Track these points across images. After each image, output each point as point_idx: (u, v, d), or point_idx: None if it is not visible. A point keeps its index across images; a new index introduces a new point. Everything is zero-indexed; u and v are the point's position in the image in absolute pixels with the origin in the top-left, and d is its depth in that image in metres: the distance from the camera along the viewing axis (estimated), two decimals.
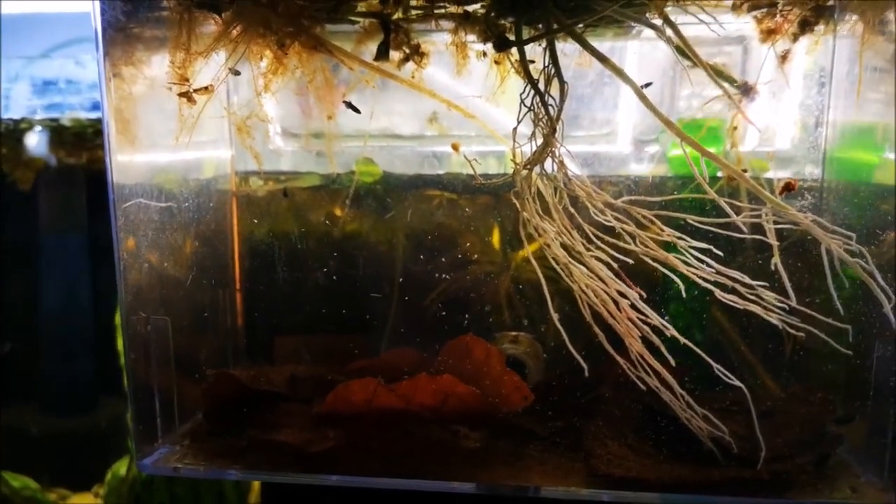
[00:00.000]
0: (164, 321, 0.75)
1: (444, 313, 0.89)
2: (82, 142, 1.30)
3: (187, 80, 0.69)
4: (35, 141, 1.31)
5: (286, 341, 0.91)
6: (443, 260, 0.90)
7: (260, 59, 0.73)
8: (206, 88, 0.70)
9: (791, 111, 0.84)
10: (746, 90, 0.80)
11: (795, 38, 0.75)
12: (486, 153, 0.90)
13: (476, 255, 0.90)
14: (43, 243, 1.42)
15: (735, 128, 0.80)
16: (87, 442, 1.45)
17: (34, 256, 1.44)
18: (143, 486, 1.21)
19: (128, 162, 0.73)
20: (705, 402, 0.68)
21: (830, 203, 0.82)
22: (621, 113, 0.91)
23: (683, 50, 0.70)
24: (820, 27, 0.76)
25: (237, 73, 0.76)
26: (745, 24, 0.77)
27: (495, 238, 0.91)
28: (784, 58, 0.77)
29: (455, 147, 0.88)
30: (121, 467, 1.23)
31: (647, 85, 0.70)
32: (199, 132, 0.78)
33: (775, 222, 0.66)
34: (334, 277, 0.90)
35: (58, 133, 1.28)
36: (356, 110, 0.79)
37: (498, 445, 0.73)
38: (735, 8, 0.69)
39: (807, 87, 0.82)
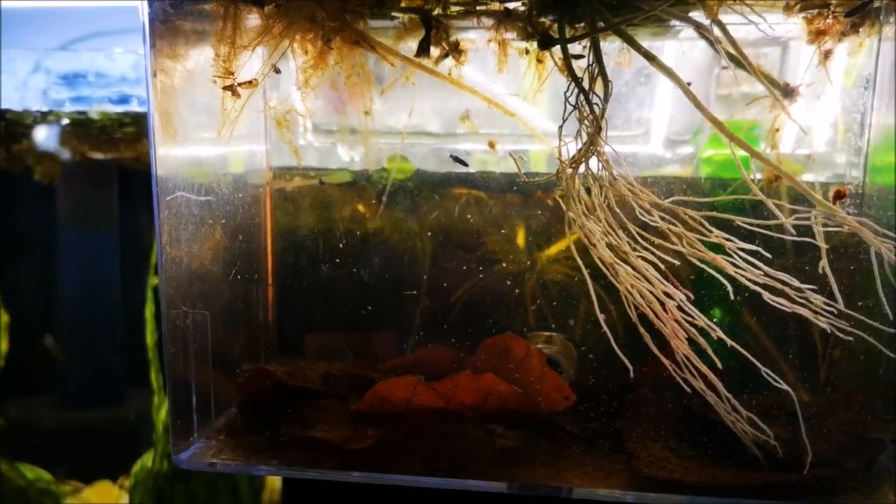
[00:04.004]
0: (203, 315, 0.74)
1: (476, 312, 0.89)
2: (108, 136, 1.30)
3: (232, 73, 0.69)
4: (61, 135, 1.30)
5: (318, 338, 0.90)
6: (475, 258, 0.89)
7: (304, 52, 0.73)
8: (249, 82, 0.70)
9: (832, 114, 0.83)
10: (788, 92, 0.79)
11: (841, 39, 0.75)
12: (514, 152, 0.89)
13: (509, 254, 0.89)
14: (68, 238, 1.42)
15: (777, 129, 0.80)
16: (110, 435, 1.44)
17: (58, 252, 1.44)
18: (166, 481, 1.21)
19: (170, 155, 0.73)
20: (744, 405, 0.68)
21: (872, 207, 0.81)
22: (656, 113, 0.91)
23: (728, 50, 0.70)
24: (864, 29, 0.75)
25: (278, 71, 0.76)
26: (786, 26, 0.76)
27: (527, 238, 0.91)
28: (828, 59, 0.76)
29: (491, 145, 0.87)
30: (148, 459, 1.23)
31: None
32: (236, 127, 0.77)
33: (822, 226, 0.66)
34: (366, 274, 0.90)
35: (84, 126, 1.28)
36: (464, 164, 0.82)
37: (537, 445, 0.73)
38: (788, 8, 0.68)
39: (849, 90, 0.81)
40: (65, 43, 1.32)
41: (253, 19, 0.72)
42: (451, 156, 0.84)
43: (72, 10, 1.38)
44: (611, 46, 0.76)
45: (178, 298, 0.73)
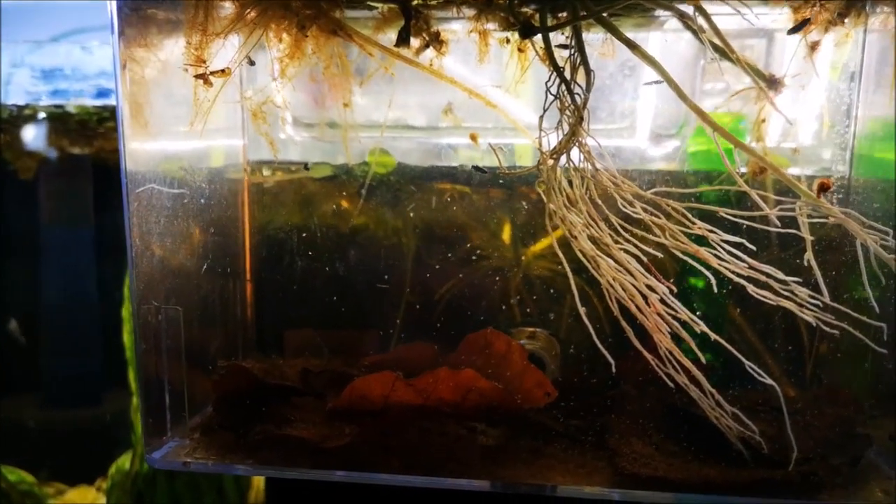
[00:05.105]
0: (176, 311, 0.72)
1: (458, 308, 0.87)
2: (86, 130, 1.27)
3: (204, 61, 0.67)
4: (38, 129, 1.28)
5: (296, 335, 0.88)
6: (457, 254, 0.88)
7: (279, 41, 0.71)
8: (222, 71, 0.68)
9: (817, 106, 0.82)
10: (773, 84, 0.78)
11: (827, 30, 0.74)
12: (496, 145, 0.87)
13: (492, 249, 0.88)
14: (46, 234, 1.40)
15: (763, 121, 0.78)
16: (90, 436, 1.42)
17: (36, 248, 1.41)
18: (146, 482, 1.19)
19: (141, 149, 0.71)
20: (729, 401, 0.67)
21: (857, 200, 0.81)
22: (641, 106, 0.89)
23: (712, 41, 0.68)
24: (850, 20, 0.74)
25: (252, 63, 0.74)
26: (771, 17, 0.75)
27: (511, 232, 0.90)
28: (814, 50, 0.75)
29: (473, 138, 0.86)
30: (125, 461, 1.20)
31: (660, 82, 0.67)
32: (212, 120, 0.76)
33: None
34: (346, 270, 0.88)
35: (62, 121, 1.25)
36: (483, 171, 0.82)
37: (518, 443, 0.71)
38: None
39: (835, 82, 0.80)
40: (55, 37, 1.30)
41: (227, 8, 0.70)
42: (473, 166, 0.85)
43: (61, 5, 1.36)
44: (594, 37, 0.75)
45: (150, 294, 0.72)
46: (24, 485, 1.33)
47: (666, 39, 0.80)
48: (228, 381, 0.74)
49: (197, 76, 0.67)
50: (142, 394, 0.73)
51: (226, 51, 0.71)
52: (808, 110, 0.83)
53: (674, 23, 0.79)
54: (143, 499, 1.19)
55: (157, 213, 0.73)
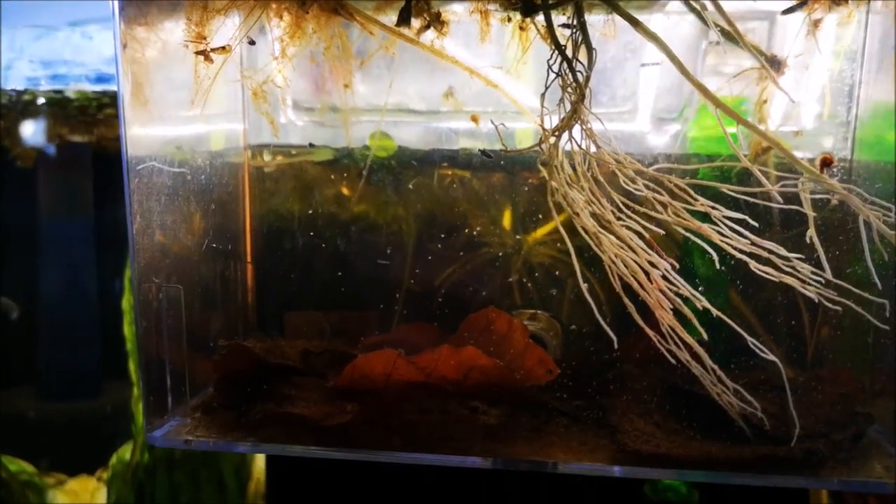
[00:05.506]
0: (177, 289, 0.72)
1: (460, 291, 0.87)
2: (86, 117, 1.27)
3: (204, 38, 0.67)
4: (37, 115, 1.27)
5: (298, 316, 0.88)
6: (460, 237, 0.88)
7: (280, 19, 0.70)
8: (223, 48, 0.68)
9: (819, 87, 0.82)
10: (776, 64, 0.78)
11: (831, 8, 0.74)
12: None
13: (494, 233, 0.88)
14: (45, 226, 1.39)
15: (765, 101, 0.78)
16: (89, 428, 1.42)
17: (35, 239, 1.41)
18: (146, 473, 1.19)
19: (141, 131, 0.71)
20: (730, 380, 0.67)
21: (859, 182, 0.80)
22: (642, 90, 0.89)
23: (715, 21, 0.68)
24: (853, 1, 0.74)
25: (252, 43, 0.74)
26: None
27: (512, 215, 0.89)
28: (817, 28, 0.75)
29: (475, 119, 0.86)
30: (125, 452, 1.20)
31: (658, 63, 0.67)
32: (213, 104, 0.75)
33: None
34: (347, 250, 0.88)
35: (61, 106, 1.25)
36: (489, 156, 0.82)
37: (519, 421, 0.71)
38: None
39: (837, 63, 0.80)
40: (56, 24, 1.30)
41: None
42: (480, 150, 0.84)
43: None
44: (596, 19, 0.75)
45: (151, 272, 0.71)
46: (24, 475, 1.33)
47: (668, 17, 0.79)
48: (229, 360, 0.74)
49: (197, 52, 0.67)
50: (143, 373, 0.72)
51: (226, 30, 0.71)
52: (810, 92, 0.83)
53: (675, 5, 0.79)
54: (143, 489, 1.19)
55: (158, 194, 0.73)
